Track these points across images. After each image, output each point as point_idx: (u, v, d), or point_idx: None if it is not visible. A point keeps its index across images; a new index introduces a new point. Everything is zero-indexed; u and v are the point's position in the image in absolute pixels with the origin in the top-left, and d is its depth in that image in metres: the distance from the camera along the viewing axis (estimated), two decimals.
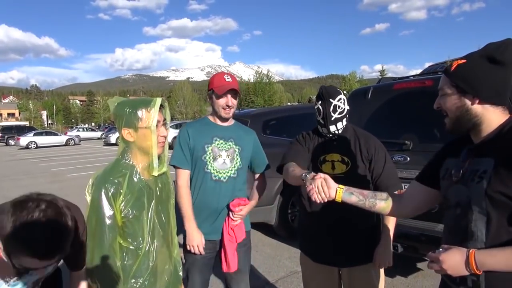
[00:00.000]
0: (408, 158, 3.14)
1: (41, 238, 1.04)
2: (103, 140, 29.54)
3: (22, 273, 1.18)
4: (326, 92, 1.92)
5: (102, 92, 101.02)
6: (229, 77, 2.14)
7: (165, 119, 1.60)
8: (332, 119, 1.91)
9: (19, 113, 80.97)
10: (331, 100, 1.91)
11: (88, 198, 1.48)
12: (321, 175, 1.48)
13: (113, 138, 26.71)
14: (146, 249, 1.55)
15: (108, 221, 1.44)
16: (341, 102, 1.92)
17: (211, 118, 2.24)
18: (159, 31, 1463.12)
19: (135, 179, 1.54)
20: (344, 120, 1.95)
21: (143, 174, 1.57)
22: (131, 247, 1.52)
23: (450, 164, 1.32)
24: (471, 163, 1.22)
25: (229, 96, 2.11)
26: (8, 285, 1.13)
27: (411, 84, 3.45)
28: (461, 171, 1.24)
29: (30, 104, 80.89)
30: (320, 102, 1.94)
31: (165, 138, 1.60)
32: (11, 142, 31.93)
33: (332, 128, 1.93)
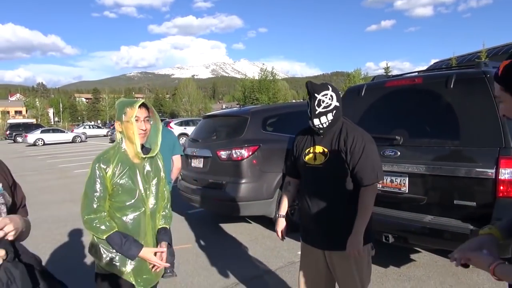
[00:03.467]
0: (399, 153, 3.29)
1: None
2: (109, 137, 29.83)
3: None
4: (311, 87, 2.09)
5: (107, 89, 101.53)
6: None
7: (146, 116, 1.95)
8: (316, 112, 2.06)
9: (26, 111, 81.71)
10: (315, 95, 2.07)
11: (88, 170, 1.93)
12: None
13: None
14: (134, 212, 1.94)
15: (96, 187, 1.87)
16: (326, 97, 2.06)
17: None
18: (164, 28, 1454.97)
19: (123, 159, 1.94)
20: (330, 114, 2.06)
21: (133, 158, 1.97)
22: (118, 212, 1.92)
23: None
24: None
25: None
26: None
27: (402, 82, 3.59)
28: None
29: (37, 102, 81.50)
30: (308, 97, 2.12)
31: (144, 131, 1.95)
32: (19, 139, 32.37)
33: (316, 121, 2.07)
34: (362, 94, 3.81)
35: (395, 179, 3.31)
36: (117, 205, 1.92)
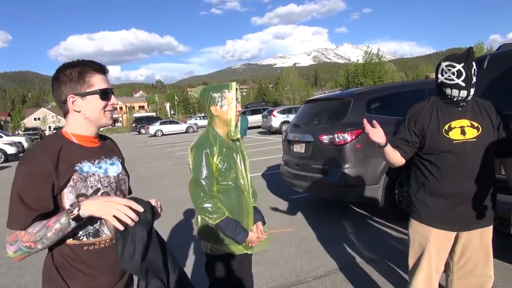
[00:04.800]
0: None
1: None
2: None
3: (105, 155, 1.49)
4: (473, 54, 1.94)
5: (215, 83, 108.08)
6: None
7: (237, 98, 2.04)
8: (473, 82, 1.93)
9: (147, 106, 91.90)
10: (473, 63, 1.93)
11: (190, 159, 2.00)
12: None
13: None
14: (238, 193, 2.03)
15: (206, 173, 1.94)
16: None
17: None
18: (266, 19, 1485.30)
19: (222, 143, 2.01)
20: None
21: (225, 139, 2.05)
22: (226, 194, 2.00)
23: None
24: None
25: None
26: (95, 166, 1.41)
27: None
28: None
29: (156, 97, 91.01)
30: (462, 64, 1.92)
31: (239, 112, 2.06)
32: (142, 131, 36.61)
33: (472, 91, 1.94)
34: (485, 66, 3.34)
35: None
36: (223, 187, 2.00)
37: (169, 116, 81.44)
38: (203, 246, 2.10)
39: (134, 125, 42.52)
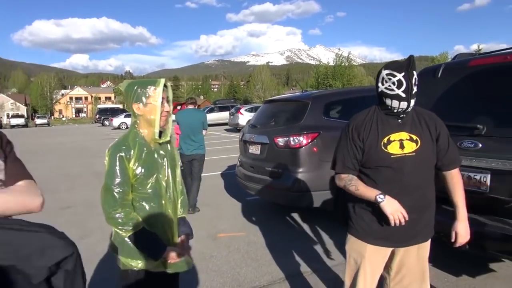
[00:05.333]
0: (480, 145, 2.75)
1: None
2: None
3: None
4: (414, 62, 1.80)
5: (186, 77, 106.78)
6: None
7: (167, 97, 1.84)
8: (413, 92, 1.80)
9: (115, 97, 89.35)
10: (414, 72, 1.80)
11: (106, 161, 1.76)
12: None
13: None
14: (159, 202, 1.81)
15: (119, 179, 1.71)
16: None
17: None
18: (241, 16, 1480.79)
19: (143, 146, 1.79)
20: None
21: (149, 142, 1.82)
22: (144, 203, 1.79)
23: None
24: None
25: None
26: None
27: (490, 60, 2.99)
28: None
29: None
30: (403, 74, 1.78)
31: (168, 112, 1.83)
32: (106, 122, 35.39)
33: (412, 102, 1.81)
34: (439, 75, 3.27)
35: (474, 175, 2.78)
36: (141, 195, 1.79)
37: None
38: (116, 259, 1.87)
39: (97, 116, 41.10)
